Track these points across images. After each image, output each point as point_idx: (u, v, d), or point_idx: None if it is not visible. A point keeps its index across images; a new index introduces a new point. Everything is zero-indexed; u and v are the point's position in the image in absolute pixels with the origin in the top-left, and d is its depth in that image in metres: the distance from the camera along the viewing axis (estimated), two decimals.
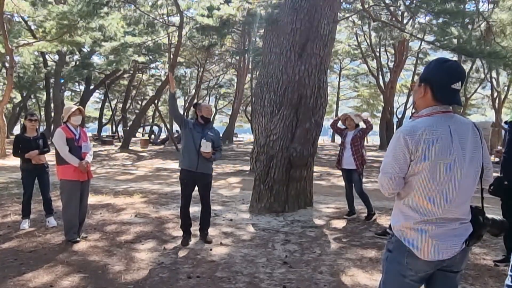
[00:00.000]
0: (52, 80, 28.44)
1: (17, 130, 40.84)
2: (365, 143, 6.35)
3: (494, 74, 28.73)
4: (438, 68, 1.87)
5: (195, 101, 38.04)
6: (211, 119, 5.34)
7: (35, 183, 5.51)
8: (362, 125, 6.28)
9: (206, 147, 4.64)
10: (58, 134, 4.73)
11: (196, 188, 4.91)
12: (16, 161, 6.73)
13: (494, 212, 2.17)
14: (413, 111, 2.08)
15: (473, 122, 1.94)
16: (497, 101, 29.70)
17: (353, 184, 6.16)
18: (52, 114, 28.24)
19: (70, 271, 3.84)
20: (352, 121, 6.20)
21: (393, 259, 1.93)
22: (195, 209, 6.23)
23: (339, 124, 6.55)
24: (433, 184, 1.80)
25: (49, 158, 5.69)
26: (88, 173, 4.89)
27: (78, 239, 4.75)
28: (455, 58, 16.54)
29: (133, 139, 25.29)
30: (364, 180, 6.49)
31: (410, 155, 1.81)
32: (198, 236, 4.98)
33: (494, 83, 29.48)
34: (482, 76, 29.79)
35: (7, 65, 20.34)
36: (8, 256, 4.25)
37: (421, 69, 31.77)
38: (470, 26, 17.15)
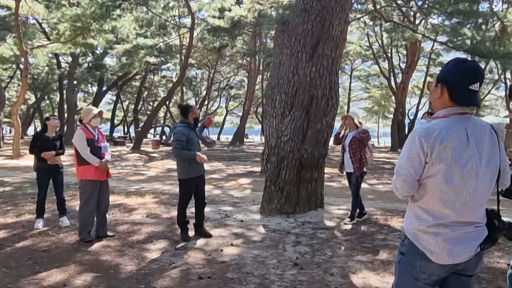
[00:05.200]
0: (65, 82, 28.82)
1: (31, 131, 41.47)
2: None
3: (508, 75, 28.36)
4: (455, 69, 1.81)
5: (206, 102, 38.28)
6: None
7: (50, 183, 5.58)
8: (363, 126, 6.20)
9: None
10: (79, 135, 4.79)
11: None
12: (30, 161, 6.81)
13: (508, 215, 2.14)
14: (429, 110, 2.03)
15: (490, 124, 1.88)
16: (511, 102, 29.25)
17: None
18: (65, 115, 28.60)
19: (83, 270, 3.88)
20: (351, 120, 6.08)
21: (406, 262, 1.91)
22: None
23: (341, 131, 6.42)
24: (448, 187, 1.76)
25: (64, 158, 5.76)
26: (107, 173, 4.96)
27: (90, 238, 4.81)
28: (469, 59, 16.33)
29: (144, 140, 25.47)
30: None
31: (425, 157, 1.77)
32: (194, 232, 5.14)
33: (508, 84, 29.08)
34: (496, 77, 29.46)
35: (21, 66, 20.68)
36: (23, 255, 4.31)
37: (433, 70, 31.48)
38: (483, 27, 16.93)
